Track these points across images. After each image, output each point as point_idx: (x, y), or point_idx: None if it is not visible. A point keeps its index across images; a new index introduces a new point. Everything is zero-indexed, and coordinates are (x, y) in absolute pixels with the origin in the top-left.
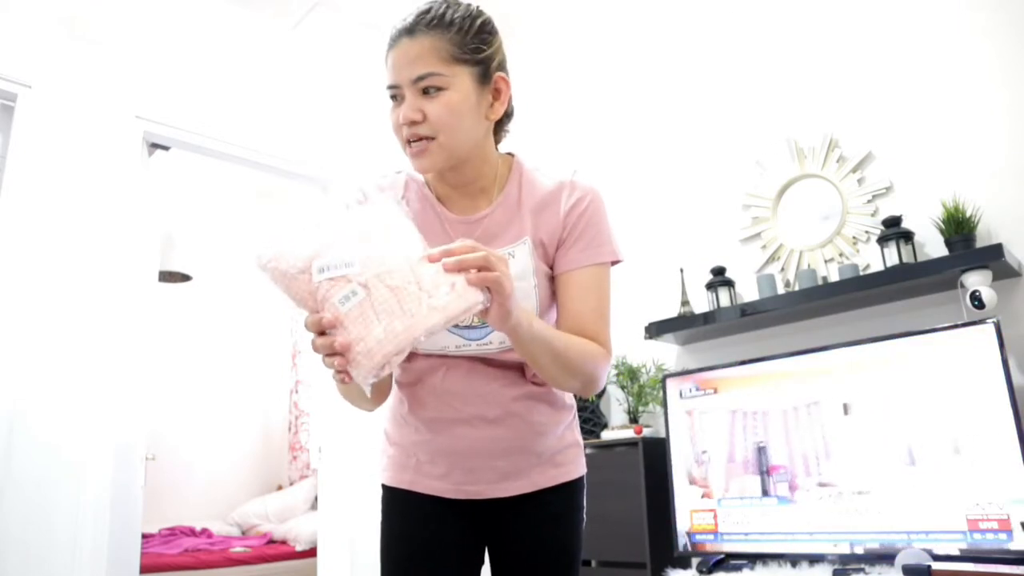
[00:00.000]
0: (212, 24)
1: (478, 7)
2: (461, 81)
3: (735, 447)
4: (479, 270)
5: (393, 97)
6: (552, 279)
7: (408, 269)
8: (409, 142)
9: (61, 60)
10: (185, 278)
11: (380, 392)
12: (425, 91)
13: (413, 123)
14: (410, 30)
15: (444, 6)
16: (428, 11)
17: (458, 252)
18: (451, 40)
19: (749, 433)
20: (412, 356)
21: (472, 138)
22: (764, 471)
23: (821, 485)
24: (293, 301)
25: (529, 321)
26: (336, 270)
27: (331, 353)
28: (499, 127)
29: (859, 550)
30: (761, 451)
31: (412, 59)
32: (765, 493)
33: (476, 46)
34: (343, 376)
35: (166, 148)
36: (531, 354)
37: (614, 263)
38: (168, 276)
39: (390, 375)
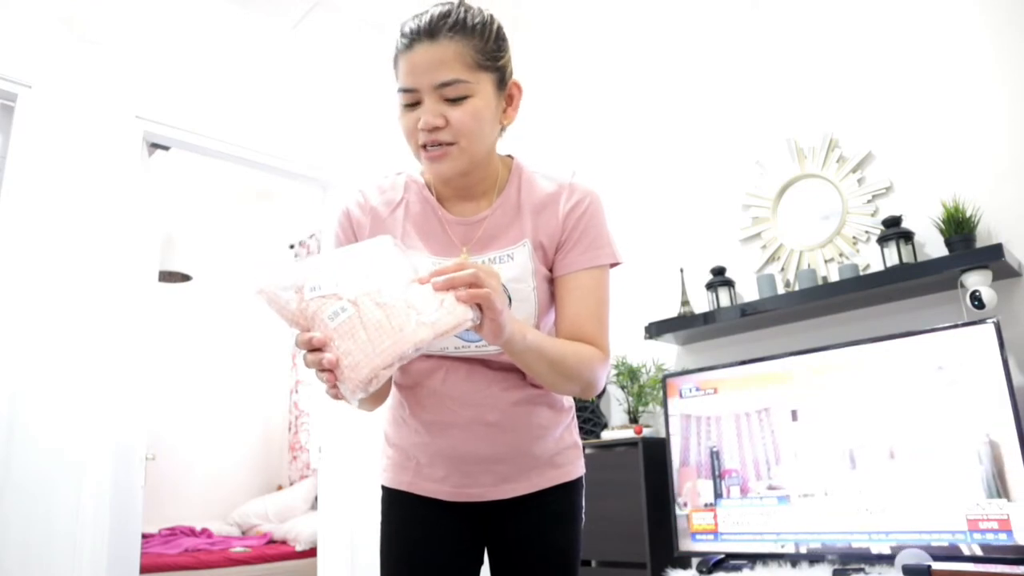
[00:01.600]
0: (212, 24)
1: (490, 13)
2: (484, 88)
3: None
4: (469, 287)
5: (408, 101)
6: (551, 281)
7: (398, 289)
8: (425, 147)
9: (61, 60)
10: (185, 278)
11: (379, 394)
12: (449, 97)
13: (435, 128)
14: (431, 34)
15: (463, 11)
16: (448, 15)
17: (447, 271)
18: (475, 47)
19: (706, 435)
20: None
21: (489, 144)
22: (720, 472)
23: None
24: (287, 322)
25: (523, 333)
26: (326, 288)
27: (321, 369)
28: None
29: (855, 549)
30: (713, 456)
31: (436, 64)
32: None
33: (495, 53)
34: (334, 392)
35: (166, 148)
36: (527, 364)
37: (613, 266)
38: (168, 276)
39: (388, 381)
